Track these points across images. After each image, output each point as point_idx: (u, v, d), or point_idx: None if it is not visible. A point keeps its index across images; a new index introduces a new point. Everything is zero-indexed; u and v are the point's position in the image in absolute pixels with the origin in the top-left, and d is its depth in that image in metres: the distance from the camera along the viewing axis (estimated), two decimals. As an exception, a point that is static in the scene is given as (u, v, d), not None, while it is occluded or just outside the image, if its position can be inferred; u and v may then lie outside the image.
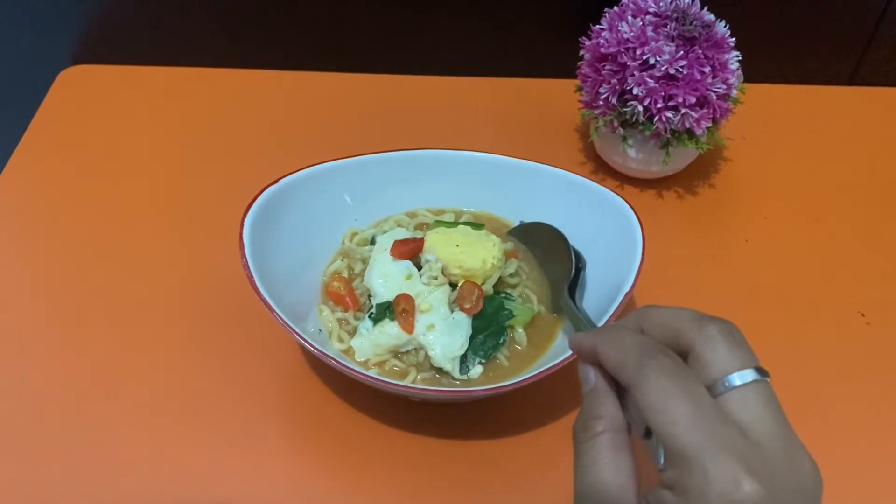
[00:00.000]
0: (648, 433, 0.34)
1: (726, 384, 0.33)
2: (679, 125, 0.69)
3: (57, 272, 0.70)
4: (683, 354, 0.35)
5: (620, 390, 0.37)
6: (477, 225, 0.66)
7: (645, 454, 0.35)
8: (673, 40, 0.68)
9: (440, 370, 0.60)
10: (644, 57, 0.68)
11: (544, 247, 0.66)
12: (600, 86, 0.72)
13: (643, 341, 0.35)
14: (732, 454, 0.31)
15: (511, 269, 0.65)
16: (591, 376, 0.38)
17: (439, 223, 0.67)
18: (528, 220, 0.68)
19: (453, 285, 0.63)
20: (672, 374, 0.33)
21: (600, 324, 0.56)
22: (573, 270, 0.62)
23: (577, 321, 0.56)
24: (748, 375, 0.33)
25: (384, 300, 0.61)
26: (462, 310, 0.61)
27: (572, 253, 0.63)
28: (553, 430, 0.59)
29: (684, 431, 0.31)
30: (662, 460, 0.33)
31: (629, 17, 0.70)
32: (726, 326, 0.35)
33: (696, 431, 0.31)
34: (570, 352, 0.54)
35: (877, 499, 0.58)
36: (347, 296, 0.63)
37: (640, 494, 0.34)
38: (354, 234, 0.68)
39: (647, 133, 0.71)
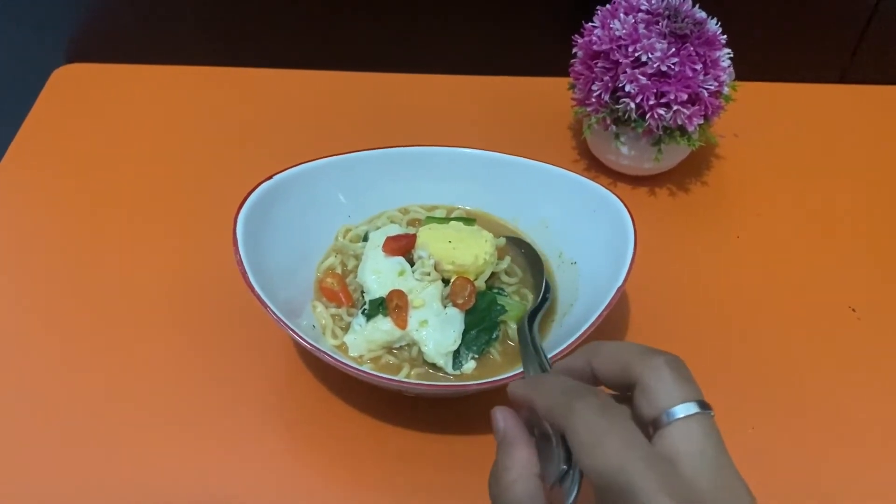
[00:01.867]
0: (562, 478, 0.34)
1: (670, 415, 0.33)
2: (671, 122, 0.70)
3: (51, 270, 0.70)
4: (630, 387, 0.35)
5: (540, 440, 0.37)
6: (469, 220, 0.67)
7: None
8: (665, 38, 0.69)
9: (433, 365, 0.60)
10: (636, 54, 0.68)
11: (525, 262, 0.67)
12: (593, 83, 0.72)
13: (572, 384, 0.36)
14: (666, 490, 0.30)
15: (504, 266, 0.65)
16: (499, 423, 0.38)
17: (431, 219, 0.67)
18: (520, 217, 0.69)
19: (446, 281, 0.63)
20: (601, 411, 0.33)
21: (589, 322, 0.56)
22: (539, 299, 0.62)
23: (526, 351, 0.55)
24: (692, 408, 0.33)
25: (377, 296, 0.61)
26: (455, 305, 0.61)
27: (545, 281, 0.63)
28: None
29: (617, 468, 0.31)
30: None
31: (621, 15, 0.70)
32: (672, 359, 0.35)
33: (630, 468, 0.31)
34: (564, 346, 0.54)
35: (868, 492, 0.58)
36: (341, 292, 0.64)
37: None
38: (348, 230, 0.68)
39: (640, 130, 0.71)
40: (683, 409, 0.33)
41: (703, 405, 0.34)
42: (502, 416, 0.39)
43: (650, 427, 0.34)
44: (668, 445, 0.33)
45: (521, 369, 0.55)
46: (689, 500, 0.30)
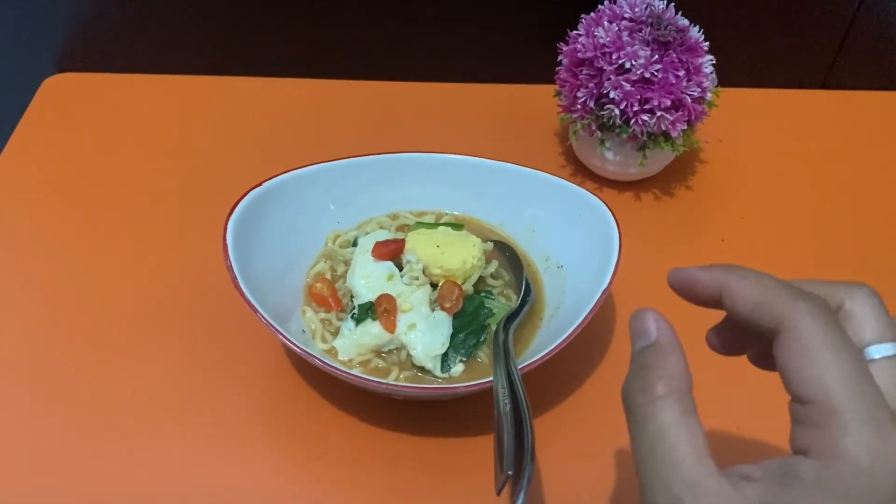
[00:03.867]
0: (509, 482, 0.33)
1: (873, 353, 0.30)
2: (655, 128, 0.71)
3: (40, 279, 0.71)
4: (769, 330, 0.32)
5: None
6: (457, 226, 0.67)
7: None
8: (648, 45, 0.70)
9: (422, 369, 0.61)
10: (620, 61, 0.69)
11: (508, 265, 0.68)
12: (578, 90, 0.73)
13: (790, 283, 0.32)
14: (876, 420, 0.27)
15: (491, 270, 0.66)
16: (651, 328, 0.33)
17: (420, 224, 0.68)
18: (506, 222, 0.70)
19: (434, 285, 0.64)
20: (827, 320, 0.29)
21: (574, 325, 0.56)
22: (518, 302, 0.63)
23: (497, 355, 0.55)
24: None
25: (366, 301, 0.62)
26: (443, 309, 0.62)
27: (524, 284, 0.64)
28: (535, 426, 0.60)
29: (836, 385, 0.28)
30: None
31: (605, 23, 0.71)
32: (874, 292, 0.32)
33: (849, 388, 0.28)
34: (550, 348, 0.55)
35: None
36: (330, 297, 0.64)
37: (722, 470, 0.30)
38: (337, 235, 0.69)
39: (624, 136, 0.72)
40: (893, 348, 0.31)
41: None
42: (655, 319, 0.34)
43: None
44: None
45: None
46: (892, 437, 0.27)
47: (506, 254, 0.68)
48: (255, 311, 0.56)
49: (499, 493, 0.35)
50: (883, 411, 0.28)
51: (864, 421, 0.27)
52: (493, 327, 0.63)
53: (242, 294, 0.57)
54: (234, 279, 0.57)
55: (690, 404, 0.31)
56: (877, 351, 0.30)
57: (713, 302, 0.34)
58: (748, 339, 0.38)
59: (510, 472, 0.35)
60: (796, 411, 0.30)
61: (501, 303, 0.64)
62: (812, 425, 0.29)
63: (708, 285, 0.34)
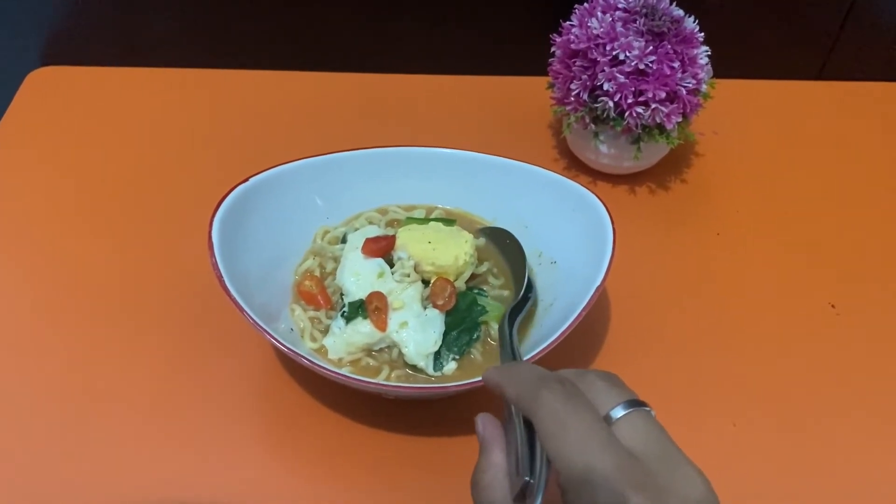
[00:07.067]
0: (525, 486, 0.35)
1: (612, 416, 0.34)
2: (649, 120, 0.70)
3: (24, 274, 0.69)
4: None
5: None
6: (448, 221, 0.66)
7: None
8: (642, 36, 0.69)
9: (414, 367, 0.60)
10: (614, 52, 0.68)
11: (507, 256, 0.67)
12: (571, 82, 0.72)
13: (541, 372, 0.36)
14: (621, 473, 0.32)
15: (483, 269, 0.65)
16: (479, 428, 0.39)
17: (411, 220, 0.67)
18: (499, 217, 0.68)
19: (426, 282, 0.63)
20: (565, 399, 0.34)
21: (568, 322, 0.56)
22: (521, 295, 0.61)
23: (505, 349, 0.55)
24: (631, 406, 0.35)
25: (356, 298, 0.61)
26: (435, 306, 0.61)
27: (527, 276, 0.63)
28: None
29: (576, 454, 0.32)
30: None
31: (599, 14, 0.70)
32: (603, 373, 0.37)
33: (587, 454, 0.32)
34: (545, 345, 0.54)
35: (848, 486, 0.58)
36: (319, 294, 0.63)
37: None
38: (326, 232, 0.67)
39: (618, 128, 0.71)
40: (624, 408, 0.34)
41: (642, 403, 0.35)
42: (482, 422, 0.40)
43: None
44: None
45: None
46: (640, 481, 0.32)
47: (506, 241, 0.66)
48: (242, 310, 0.55)
49: (514, 500, 0.35)
50: (617, 472, 0.32)
51: (600, 483, 0.32)
52: (487, 325, 0.62)
53: (228, 293, 0.55)
54: (220, 277, 0.56)
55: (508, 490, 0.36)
56: (614, 413, 0.34)
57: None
58: None
59: (528, 479, 0.35)
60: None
61: (494, 300, 0.63)
62: (566, 491, 0.33)
63: (495, 388, 0.38)
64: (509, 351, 0.53)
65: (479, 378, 0.54)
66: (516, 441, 0.37)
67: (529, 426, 0.36)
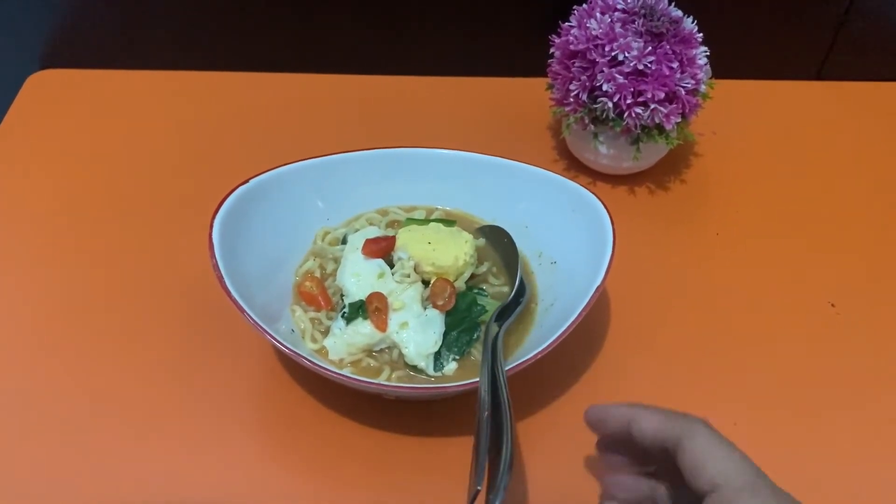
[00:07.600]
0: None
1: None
2: (649, 121, 0.70)
3: (23, 276, 0.69)
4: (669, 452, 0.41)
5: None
6: (448, 222, 0.66)
7: None
8: (641, 36, 0.69)
9: (414, 368, 0.60)
10: (613, 53, 0.68)
11: (504, 255, 0.67)
12: (570, 83, 0.72)
13: (673, 412, 0.42)
14: (772, 486, 0.39)
15: (483, 269, 0.65)
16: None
17: (411, 220, 0.67)
18: (499, 217, 0.69)
19: (426, 283, 0.63)
20: (715, 432, 0.41)
21: (568, 322, 0.56)
22: (512, 294, 0.62)
23: (485, 353, 0.54)
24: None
25: (357, 299, 0.61)
26: (435, 307, 0.61)
27: (519, 277, 0.63)
28: (527, 426, 0.60)
29: (746, 470, 0.39)
30: None
31: (598, 14, 0.70)
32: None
33: (752, 470, 0.39)
34: (544, 346, 0.54)
35: (849, 485, 0.58)
36: (320, 295, 0.63)
37: None
38: (326, 233, 0.67)
39: (618, 129, 0.71)
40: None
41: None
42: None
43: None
44: None
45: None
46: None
47: (504, 240, 0.66)
48: (243, 311, 0.55)
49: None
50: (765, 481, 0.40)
51: (756, 491, 0.39)
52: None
53: (229, 294, 0.56)
54: (221, 278, 0.56)
55: None
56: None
57: (621, 432, 0.43)
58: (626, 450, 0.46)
59: (479, 487, 0.36)
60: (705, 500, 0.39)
61: (494, 300, 0.63)
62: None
63: (618, 419, 0.43)
64: (489, 349, 0.53)
65: (475, 380, 0.54)
66: (478, 454, 0.37)
67: (497, 428, 0.37)
